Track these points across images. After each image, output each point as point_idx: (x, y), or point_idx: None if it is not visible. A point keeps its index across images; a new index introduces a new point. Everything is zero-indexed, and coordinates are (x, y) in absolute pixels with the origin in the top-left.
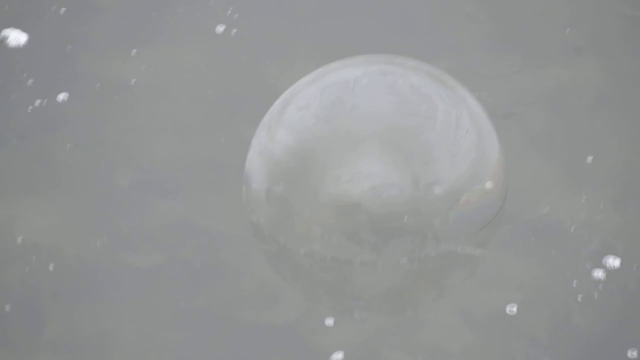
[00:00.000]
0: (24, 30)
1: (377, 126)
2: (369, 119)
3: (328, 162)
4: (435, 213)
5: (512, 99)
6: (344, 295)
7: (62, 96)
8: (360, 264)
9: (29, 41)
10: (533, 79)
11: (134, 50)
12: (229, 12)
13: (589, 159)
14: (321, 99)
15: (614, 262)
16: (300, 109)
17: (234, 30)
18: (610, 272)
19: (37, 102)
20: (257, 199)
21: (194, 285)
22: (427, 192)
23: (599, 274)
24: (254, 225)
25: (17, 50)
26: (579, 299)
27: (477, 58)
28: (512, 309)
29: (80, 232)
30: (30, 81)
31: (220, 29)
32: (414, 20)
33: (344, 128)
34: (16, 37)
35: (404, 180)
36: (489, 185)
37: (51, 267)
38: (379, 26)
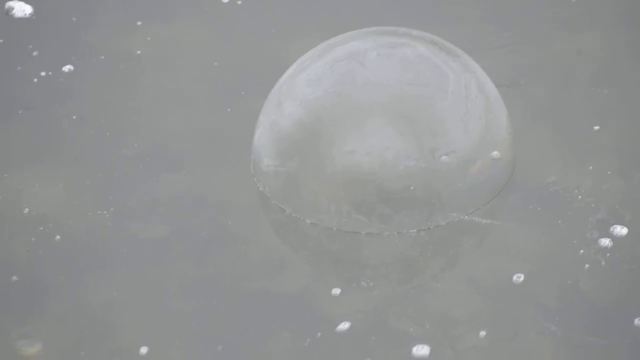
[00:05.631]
0: (29, 1)
1: (388, 98)
2: (380, 91)
3: (341, 135)
4: (446, 183)
5: (515, 70)
6: (355, 265)
7: (67, 67)
8: (370, 234)
9: (34, 12)
10: (536, 51)
11: (139, 22)
12: None
13: (595, 128)
14: (331, 73)
15: (621, 230)
16: (310, 83)
17: (239, 2)
18: (617, 240)
19: (43, 73)
20: (267, 172)
21: (201, 256)
22: (440, 162)
23: (605, 242)
24: (262, 195)
25: (23, 21)
26: (586, 267)
27: (478, 30)
28: (519, 276)
29: (87, 203)
30: (35, 53)
31: (225, 0)
32: None
33: (355, 101)
34: (21, 9)
35: (417, 151)
36: (498, 153)
37: (57, 238)
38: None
